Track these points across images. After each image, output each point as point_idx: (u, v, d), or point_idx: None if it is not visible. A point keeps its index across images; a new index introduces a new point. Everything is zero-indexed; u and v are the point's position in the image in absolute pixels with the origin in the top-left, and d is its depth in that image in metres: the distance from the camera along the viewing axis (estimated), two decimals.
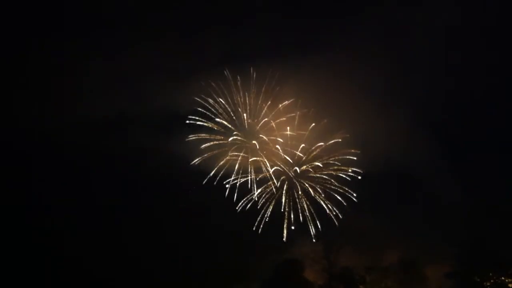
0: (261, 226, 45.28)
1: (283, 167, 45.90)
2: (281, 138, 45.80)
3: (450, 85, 49.53)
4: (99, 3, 49.35)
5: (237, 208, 45.33)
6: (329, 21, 49.49)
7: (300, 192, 46.01)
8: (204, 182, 45.57)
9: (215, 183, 45.52)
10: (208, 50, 48.35)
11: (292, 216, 45.79)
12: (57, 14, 48.95)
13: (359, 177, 45.63)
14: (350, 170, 45.71)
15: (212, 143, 45.95)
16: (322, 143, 46.15)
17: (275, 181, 45.71)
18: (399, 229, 45.32)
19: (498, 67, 48.29)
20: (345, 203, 45.46)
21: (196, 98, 46.29)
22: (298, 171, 46.03)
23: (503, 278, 45.64)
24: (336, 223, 45.43)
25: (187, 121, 46.26)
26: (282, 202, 45.71)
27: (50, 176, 46.80)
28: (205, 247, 46.03)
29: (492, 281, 45.66)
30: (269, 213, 45.65)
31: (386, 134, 45.90)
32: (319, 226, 45.69)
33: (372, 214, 45.95)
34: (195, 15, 50.48)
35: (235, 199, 45.43)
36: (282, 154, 45.80)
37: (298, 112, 45.97)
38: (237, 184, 45.54)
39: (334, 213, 45.46)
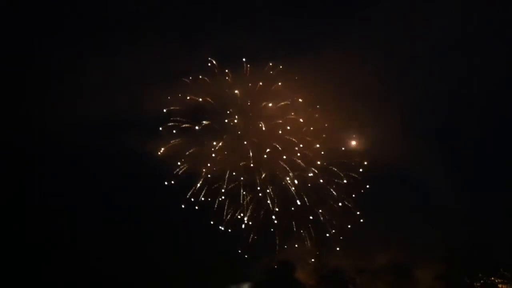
0: (249, 240, 44.12)
1: (277, 173, 43.77)
2: (276, 142, 43.88)
3: (450, 86, 49.50)
4: (99, 3, 49.50)
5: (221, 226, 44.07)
6: (329, 21, 49.44)
7: (293, 208, 43.92)
8: (188, 195, 44.42)
9: (201, 195, 44.30)
10: (207, 50, 48.29)
11: (284, 224, 44.11)
12: (57, 14, 49.11)
13: (362, 191, 44.65)
14: (351, 181, 44.48)
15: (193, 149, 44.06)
16: (321, 150, 44.54)
17: (269, 189, 43.62)
18: (395, 230, 45.11)
19: (499, 67, 48.24)
20: (349, 225, 44.54)
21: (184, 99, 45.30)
22: (293, 177, 43.76)
23: (492, 278, 45.51)
24: (337, 248, 44.83)
25: (161, 128, 44.42)
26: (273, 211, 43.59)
27: (50, 176, 47.01)
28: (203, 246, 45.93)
29: (482, 281, 45.56)
30: (258, 220, 44.08)
31: (385, 134, 45.90)
32: (313, 234, 44.66)
33: (370, 215, 45.87)
34: (195, 15, 50.66)
35: (225, 212, 44.21)
36: (276, 159, 43.75)
37: (293, 113, 44.71)
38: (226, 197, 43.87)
39: (333, 231, 44.30)
